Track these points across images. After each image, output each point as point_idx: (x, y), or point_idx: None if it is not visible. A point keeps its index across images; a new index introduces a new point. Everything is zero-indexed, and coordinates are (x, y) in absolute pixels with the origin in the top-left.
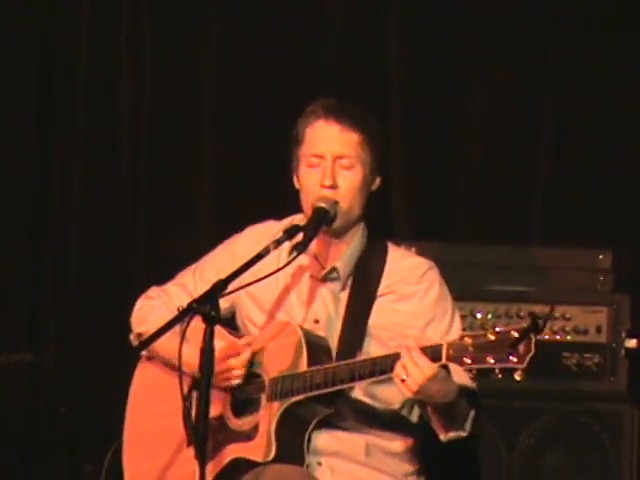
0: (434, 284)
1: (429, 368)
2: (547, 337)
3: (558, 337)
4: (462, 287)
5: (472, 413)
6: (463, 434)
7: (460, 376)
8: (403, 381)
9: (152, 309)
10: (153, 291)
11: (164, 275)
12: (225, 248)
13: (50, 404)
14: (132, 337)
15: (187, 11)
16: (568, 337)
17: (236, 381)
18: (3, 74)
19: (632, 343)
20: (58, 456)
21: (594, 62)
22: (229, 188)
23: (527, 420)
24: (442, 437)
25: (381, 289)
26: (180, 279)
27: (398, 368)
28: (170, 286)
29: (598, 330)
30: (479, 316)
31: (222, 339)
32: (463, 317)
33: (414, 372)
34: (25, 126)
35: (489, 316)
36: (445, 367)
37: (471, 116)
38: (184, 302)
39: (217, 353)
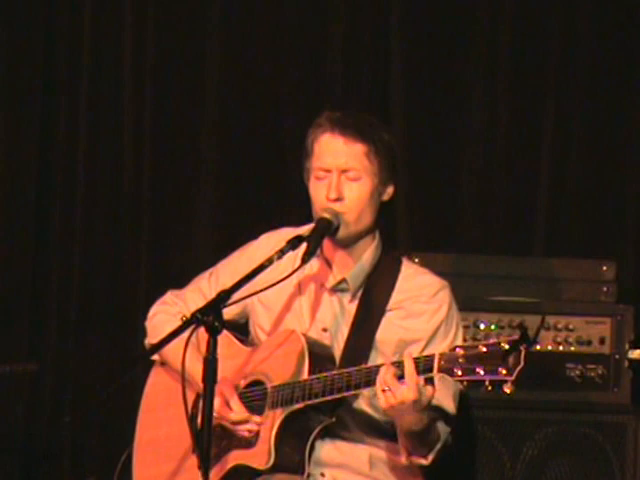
0: (444, 305)
1: (413, 392)
2: (550, 348)
3: (561, 348)
4: (465, 298)
5: (438, 445)
6: (424, 462)
7: (443, 396)
8: (384, 391)
9: (167, 318)
10: (169, 297)
11: (167, 283)
12: (241, 254)
13: (53, 414)
14: (146, 344)
15: (188, 15)
16: (571, 348)
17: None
18: (5, 74)
19: (636, 354)
20: (61, 466)
21: (596, 65)
22: (231, 195)
23: (531, 431)
24: (403, 459)
25: (390, 304)
26: (197, 284)
27: (387, 376)
28: (186, 292)
29: (601, 341)
30: (482, 327)
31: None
32: (466, 328)
33: (397, 389)
34: (28, 130)
35: (492, 327)
36: (431, 383)
37: (472, 127)
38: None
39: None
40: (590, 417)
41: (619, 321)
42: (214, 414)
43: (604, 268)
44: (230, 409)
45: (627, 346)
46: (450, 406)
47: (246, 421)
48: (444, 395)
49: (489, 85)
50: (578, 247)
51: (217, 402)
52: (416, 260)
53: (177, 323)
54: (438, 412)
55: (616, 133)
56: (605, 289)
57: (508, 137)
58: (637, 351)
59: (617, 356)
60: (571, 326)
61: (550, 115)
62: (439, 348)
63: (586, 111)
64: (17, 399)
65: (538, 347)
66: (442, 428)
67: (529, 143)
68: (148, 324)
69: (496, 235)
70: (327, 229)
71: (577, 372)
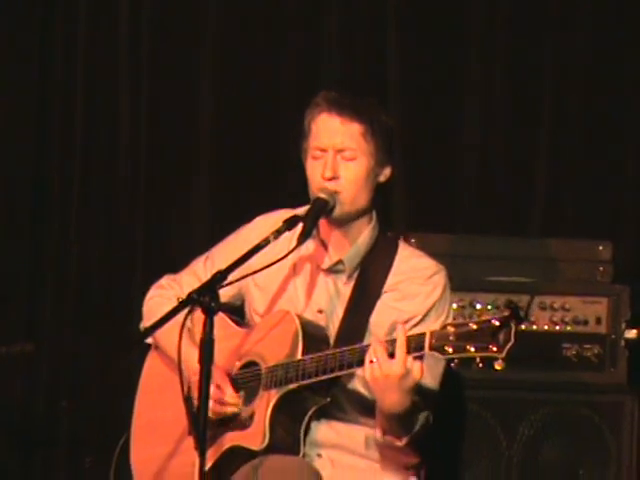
0: (438, 288)
1: (400, 366)
2: (547, 328)
3: (558, 328)
4: (462, 278)
5: (415, 428)
6: (398, 444)
7: (428, 377)
8: (371, 362)
9: (162, 301)
10: (165, 280)
11: (163, 266)
12: (236, 237)
13: (50, 397)
14: (141, 328)
15: (184, 11)
16: (568, 328)
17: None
18: (2, 73)
19: (632, 334)
20: (58, 449)
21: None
22: (226, 187)
23: (527, 411)
24: (377, 435)
25: (386, 286)
26: (192, 267)
27: (377, 348)
28: (182, 275)
29: (598, 321)
30: (479, 307)
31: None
32: (462, 308)
33: (385, 362)
34: (25, 128)
35: (489, 307)
36: (420, 360)
37: (471, 106)
38: None
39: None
40: (586, 397)
41: (615, 301)
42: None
43: (600, 248)
44: (223, 392)
45: (623, 326)
46: (432, 384)
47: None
48: (426, 373)
49: (486, 66)
50: (575, 227)
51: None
52: (412, 240)
53: (172, 306)
54: (420, 394)
55: (614, 115)
56: (601, 269)
57: (506, 118)
58: (633, 331)
59: (613, 336)
60: (567, 306)
61: (548, 96)
62: (430, 327)
63: (584, 92)
64: (14, 381)
65: (535, 327)
66: (421, 412)
67: (527, 124)
68: (144, 308)
69: (493, 215)
70: (323, 209)
71: (573, 352)
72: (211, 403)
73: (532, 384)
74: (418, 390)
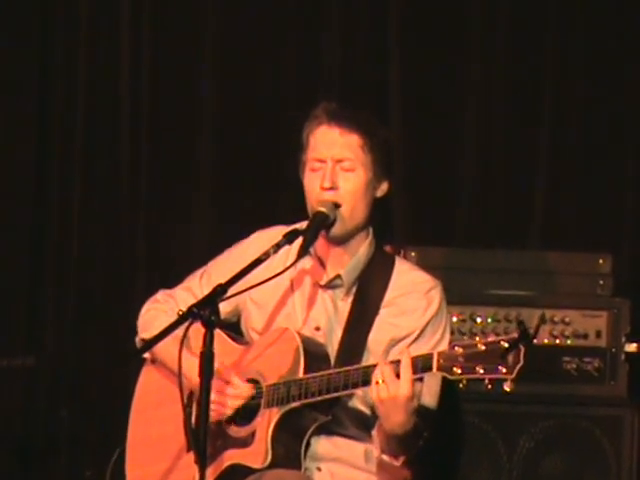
0: (434, 303)
1: (407, 388)
2: (547, 341)
3: (558, 341)
4: (462, 291)
5: (412, 450)
6: (394, 463)
7: (427, 395)
8: (377, 383)
9: (158, 314)
10: (161, 295)
11: (163, 279)
12: (232, 252)
13: (50, 408)
14: (137, 341)
15: (185, 9)
16: (568, 341)
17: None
18: (2, 73)
19: (632, 347)
20: (58, 461)
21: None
22: (228, 189)
23: (527, 424)
24: (375, 453)
25: (385, 301)
26: (187, 283)
27: (385, 369)
28: (177, 290)
29: (598, 334)
30: (479, 320)
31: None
32: (463, 321)
33: (392, 383)
34: (26, 128)
35: (489, 320)
36: (420, 381)
37: (469, 120)
38: None
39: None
40: (586, 410)
41: (615, 314)
42: (211, 406)
43: (600, 261)
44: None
45: (623, 339)
46: (431, 403)
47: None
48: (425, 393)
49: (486, 74)
50: (574, 240)
51: (213, 394)
52: (412, 254)
53: (168, 319)
54: (419, 414)
55: (613, 125)
56: (601, 282)
57: (506, 128)
58: (633, 344)
59: (613, 349)
60: (567, 319)
61: (548, 106)
62: (428, 344)
63: (584, 101)
64: (14, 393)
65: (535, 341)
66: (420, 433)
67: (526, 135)
68: (139, 321)
69: (492, 228)
70: (323, 222)
71: (573, 365)
72: (224, 400)
73: (532, 397)
74: (418, 411)
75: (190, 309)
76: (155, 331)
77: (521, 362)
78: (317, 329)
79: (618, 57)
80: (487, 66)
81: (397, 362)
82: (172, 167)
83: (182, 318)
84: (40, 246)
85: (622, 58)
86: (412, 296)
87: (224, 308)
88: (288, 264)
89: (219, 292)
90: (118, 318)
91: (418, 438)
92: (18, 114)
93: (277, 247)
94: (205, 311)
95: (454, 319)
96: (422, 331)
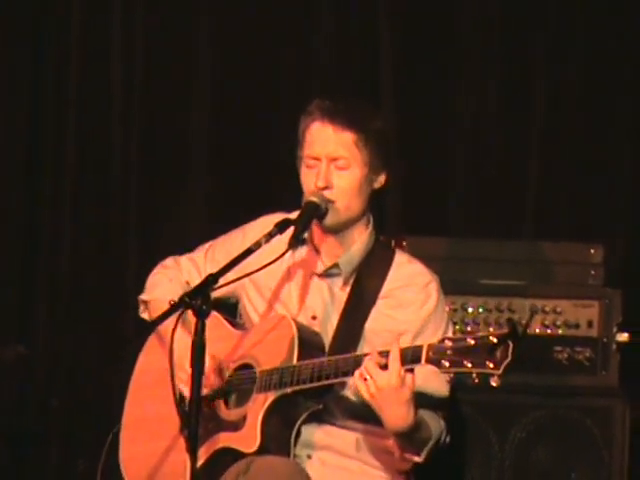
0: (433, 296)
1: (395, 378)
2: (538, 331)
3: (549, 331)
4: (453, 281)
5: (430, 443)
6: (417, 460)
7: (434, 382)
8: (365, 380)
9: (162, 280)
10: (169, 260)
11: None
12: (238, 232)
13: (42, 396)
14: (139, 299)
15: (178, 8)
16: (559, 331)
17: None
18: None
19: (623, 337)
20: (50, 450)
21: (587, 57)
22: (223, 186)
23: (518, 414)
24: (397, 455)
25: (382, 292)
26: (194, 254)
27: (368, 364)
28: (184, 259)
29: (589, 324)
30: (470, 310)
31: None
32: (454, 311)
33: (378, 375)
34: (18, 126)
35: (480, 310)
36: (410, 372)
37: (463, 110)
38: (192, 277)
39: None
40: (578, 400)
41: (607, 304)
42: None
43: (592, 251)
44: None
45: (615, 329)
46: (442, 390)
47: None
48: (435, 382)
49: (479, 67)
50: (566, 230)
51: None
52: (404, 243)
53: (169, 287)
54: (430, 407)
55: (606, 116)
56: (593, 272)
57: (498, 122)
58: (625, 334)
59: (605, 339)
60: (559, 309)
61: (541, 97)
62: (433, 338)
63: (577, 92)
64: (6, 381)
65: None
66: (435, 425)
67: (519, 127)
68: (148, 281)
69: (484, 218)
70: (314, 212)
71: (565, 355)
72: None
73: (524, 387)
74: (429, 399)
75: (182, 298)
76: (155, 296)
77: (509, 358)
78: (313, 318)
79: (619, 57)
80: (481, 65)
81: (386, 353)
82: (167, 165)
83: (174, 307)
84: (31, 235)
85: (622, 58)
86: (410, 289)
87: (223, 288)
88: (280, 253)
89: (210, 282)
90: (110, 309)
91: (429, 430)
92: (10, 112)
93: (269, 236)
94: (196, 301)
95: (445, 308)
96: (423, 326)
